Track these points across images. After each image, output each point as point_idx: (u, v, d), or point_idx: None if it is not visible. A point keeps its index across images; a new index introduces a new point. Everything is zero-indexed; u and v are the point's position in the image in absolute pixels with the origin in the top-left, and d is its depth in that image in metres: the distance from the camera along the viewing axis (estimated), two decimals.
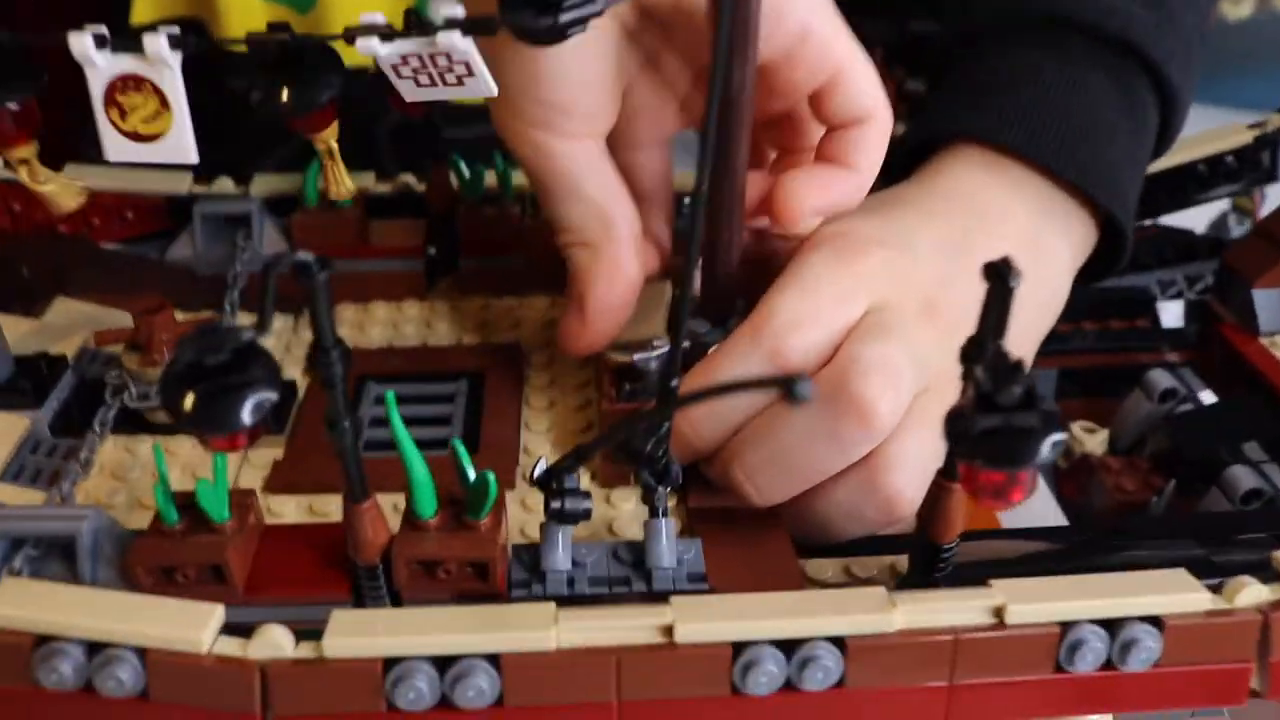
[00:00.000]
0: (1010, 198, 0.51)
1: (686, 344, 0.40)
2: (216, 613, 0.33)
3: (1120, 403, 0.60)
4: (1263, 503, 0.51)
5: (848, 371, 0.40)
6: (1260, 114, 0.64)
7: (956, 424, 0.31)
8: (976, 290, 0.31)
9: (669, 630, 0.33)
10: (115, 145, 0.44)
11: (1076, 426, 0.61)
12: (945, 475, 0.35)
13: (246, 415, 0.32)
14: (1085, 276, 0.54)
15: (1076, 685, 0.35)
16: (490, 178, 0.60)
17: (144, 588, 0.36)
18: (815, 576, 0.42)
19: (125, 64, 0.42)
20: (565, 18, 0.34)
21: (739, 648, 0.33)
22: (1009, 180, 0.51)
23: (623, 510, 0.45)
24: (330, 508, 0.45)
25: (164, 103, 0.43)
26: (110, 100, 0.43)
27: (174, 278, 0.59)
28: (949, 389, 0.33)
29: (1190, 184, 0.63)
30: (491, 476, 0.36)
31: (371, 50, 0.44)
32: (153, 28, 0.42)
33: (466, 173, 0.59)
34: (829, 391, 0.40)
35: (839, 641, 0.34)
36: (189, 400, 0.31)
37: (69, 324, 0.56)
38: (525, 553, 0.39)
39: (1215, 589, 0.35)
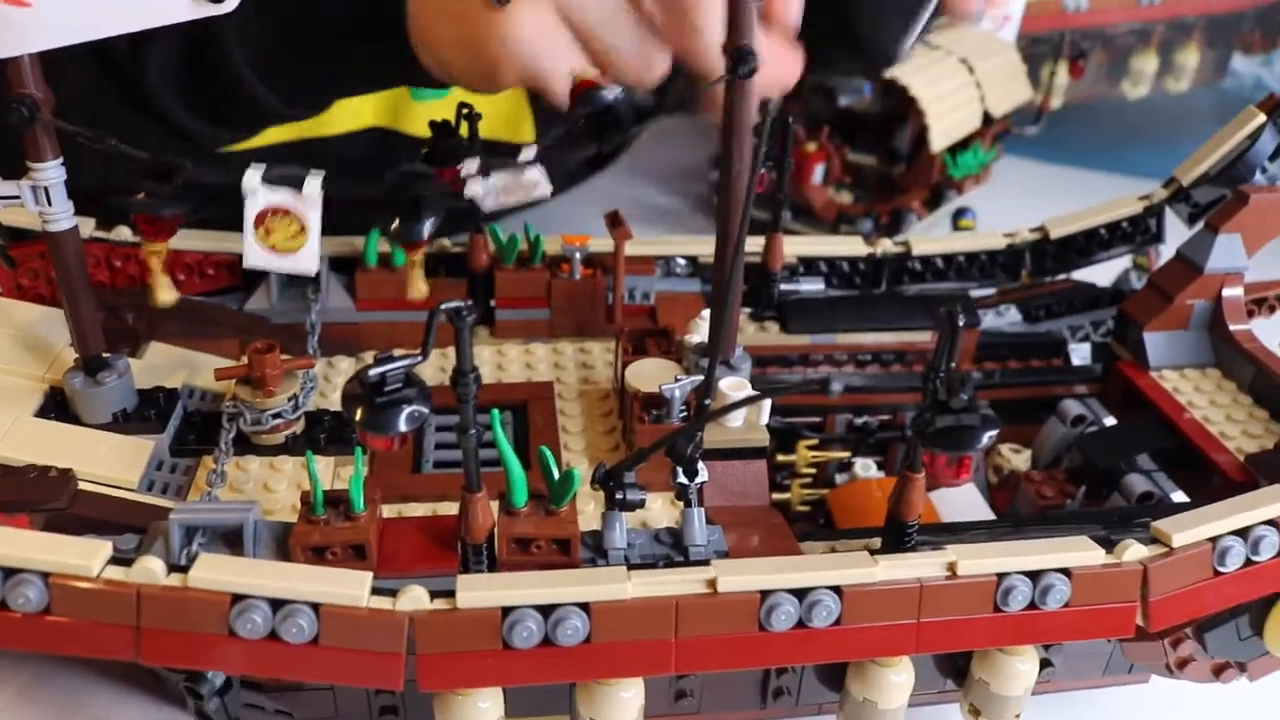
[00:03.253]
0: None
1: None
2: (368, 578, 0.44)
3: (1040, 427, 0.73)
4: (1154, 503, 0.64)
5: None
6: (1153, 182, 0.77)
7: (919, 424, 0.43)
8: None
9: (713, 583, 0.45)
10: (255, 255, 0.56)
11: (1005, 448, 0.74)
12: (909, 468, 0.48)
13: (403, 423, 0.43)
14: None
15: (1010, 622, 0.47)
16: (523, 244, 0.72)
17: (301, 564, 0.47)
18: (809, 553, 0.54)
19: (279, 197, 0.55)
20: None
21: (765, 595, 0.45)
22: None
23: (653, 509, 0.57)
24: (410, 510, 0.56)
25: (303, 229, 0.55)
26: (260, 221, 0.55)
27: (252, 325, 0.69)
28: None
29: (1093, 245, 0.77)
30: (576, 471, 0.47)
31: (474, 192, 0.57)
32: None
33: (502, 238, 0.71)
34: None
35: (837, 590, 0.45)
36: (361, 410, 0.42)
37: (167, 364, 0.66)
38: (590, 537, 0.51)
39: (1108, 549, 0.48)
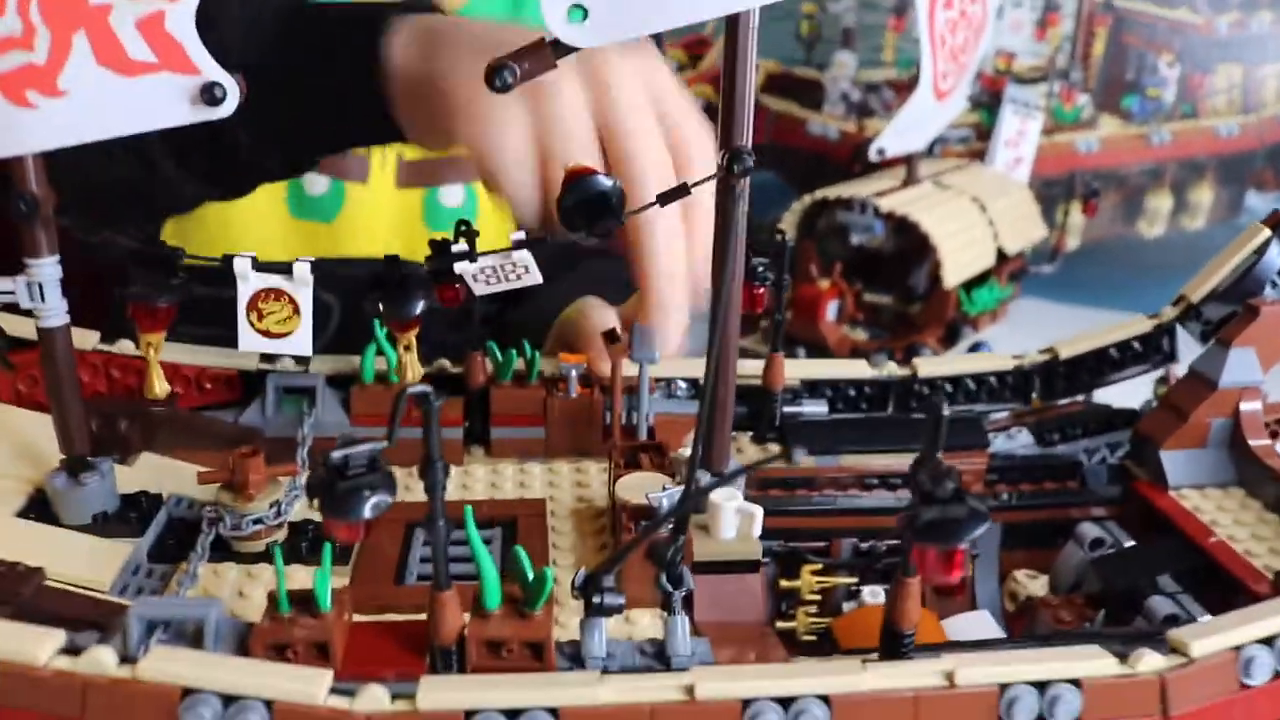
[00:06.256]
0: None
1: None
2: (327, 676, 0.42)
3: (1056, 553, 0.70)
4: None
5: None
6: None
7: (907, 520, 0.41)
8: None
9: (691, 689, 0.42)
10: (249, 339, 0.57)
11: (1021, 574, 0.71)
12: (903, 573, 0.45)
13: (367, 510, 0.41)
14: None
15: None
16: (520, 364, 0.72)
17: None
18: None
19: (270, 280, 0.56)
20: None
21: (746, 703, 0.42)
22: None
23: (640, 624, 0.54)
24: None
25: (295, 310, 0.56)
26: (252, 306, 0.55)
27: (246, 437, 0.69)
28: None
29: (1104, 365, 0.76)
30: (549, 570, 0.45)
31: (465, 269, 0.57)
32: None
33: (500, 357, 0.71)
34: None
35: (825, 699, 0.42)
36: (323, 496, 0.41)
37: (157, 473, 0.65)
38: (567, 646, 0.48)
39: (1122, 660, 0.45)
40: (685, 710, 0.41)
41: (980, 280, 1.28)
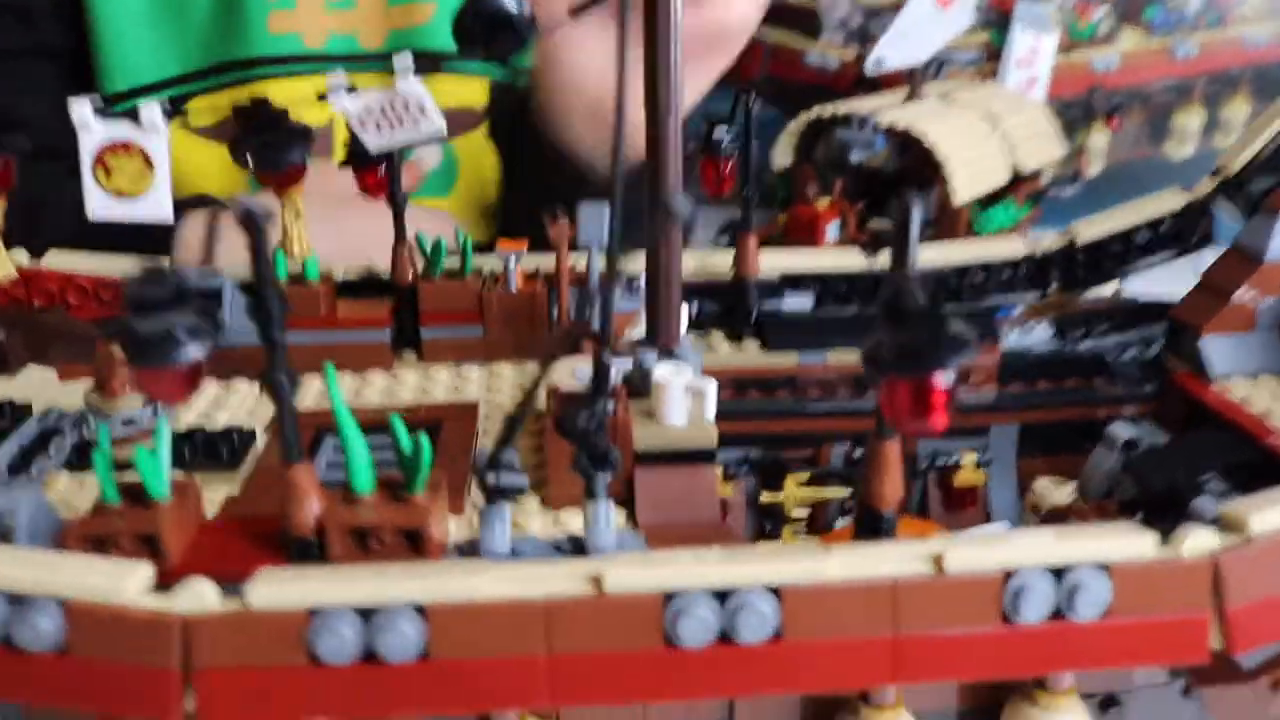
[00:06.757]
0: None
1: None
2: (144, 570, 0.33)
3: (1083, 459, 0.60)
4: None
5: None
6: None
7: (870, 354, 0.32)
8: None
9: (598, 581, 0.32)
10: (99, 203, 0.48)
11: (1043, 481, 0.61)
12: (877, 432, 0.35)
13: (186, 353, 0.32)
14: None
15: (1026, 638, 0.33)
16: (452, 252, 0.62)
17: None
18: None
19: (117, 130, 0.46)
20: None
21: (669, 597, 0.32)
22: None
23: (571, 527, 0.45)
24: None
25: (148, 164, 0.46)
26: (99, 161, 0.46)
27: None
28: None
29: (1132, 250, 0.65)
30: (426, 441, 0.36)
31: (342, 106, 0.48)
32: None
33: (427, 248, 0.62)
34: None
35: (775, 591, 0.33)
36: (128, 337, 0.32)
37: (40, 385, 0.57)
38: (465, 545, 0.39)
39: (1164, 537, 0.35)
40: (591, 606, 0.32)
41: (995, 199, 1.17)
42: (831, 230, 1.12)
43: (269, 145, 0.48)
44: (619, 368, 0.45)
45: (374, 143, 0.46)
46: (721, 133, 0.60)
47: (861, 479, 0.36)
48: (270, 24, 0.79)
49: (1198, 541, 0.34)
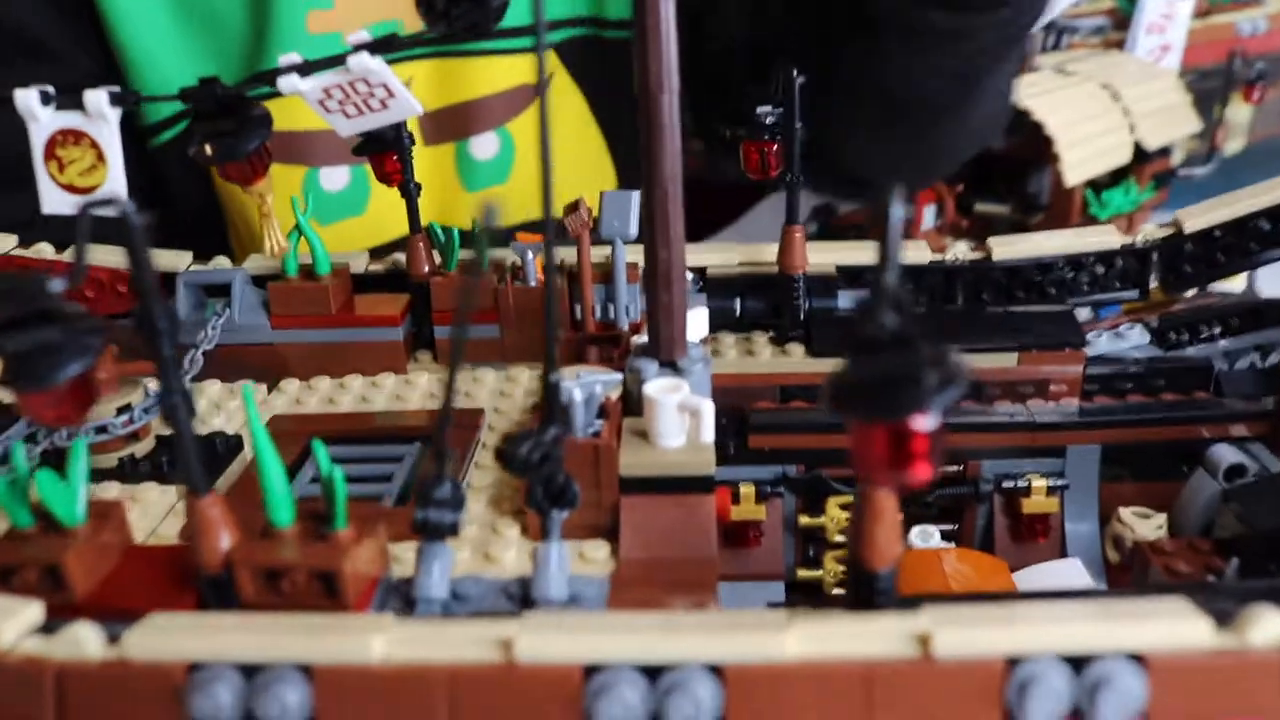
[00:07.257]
0: None
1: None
2: (31, 609, 0.29)
3: (1180, 484, 0.52)
4: None
5: None
6: None
7: (830, 387, 0.25)
8: None
9: (508, 646, 0.27)
10: (52, 198, 0.45)
11: (1128, 513, 0.53)
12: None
13: (64, 371, 0.28)
14: None
15: None
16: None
17: None
18: None
19: (67, 119, 0.43)
20: None
21: (590, 671, 0.27)
22: None
23: (583, 558, 0.40)
24: None
25: (100, 157, 0.43)
26: (50, 154, 0.43)
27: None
28: None
29: (1246, 240, 0.56)
30: (340, 474, 0.31)
31: (294, 87, 0.44)
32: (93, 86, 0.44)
33: (443, 239, 0.57)
34: None
35: (717, 670, 0.27)
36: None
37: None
38: (401, 585, 0.34)
39: (1223, 621, 0.27)
40: (498, 677, 0.27)
41: (1114, 181, 1.07)
42: (928, 215, 1.04)
43: (223, 133, 0.45)
44: (583, 387, 0.39)
45: (344, 128, 0.42)
46: (761, 111, 0.54)
47: (850, 533, 0.30)
48: (309, 25, 0.75)
49: (1268, 629, 0.27)
